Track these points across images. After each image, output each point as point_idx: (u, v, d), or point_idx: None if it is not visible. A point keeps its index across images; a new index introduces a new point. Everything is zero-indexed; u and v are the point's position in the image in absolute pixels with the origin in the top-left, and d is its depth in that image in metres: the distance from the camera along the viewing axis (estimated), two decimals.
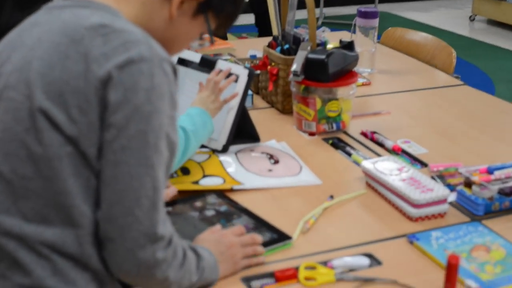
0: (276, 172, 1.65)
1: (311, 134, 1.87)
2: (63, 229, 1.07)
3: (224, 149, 1.72)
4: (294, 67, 1.83)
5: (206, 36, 1.26)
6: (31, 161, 1.07)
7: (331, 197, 1.52)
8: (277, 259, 1.30)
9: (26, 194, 1.08)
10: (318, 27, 5.99)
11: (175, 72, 1.12)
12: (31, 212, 1.08)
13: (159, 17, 1.18)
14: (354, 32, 2.42)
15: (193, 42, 1.28)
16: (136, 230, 1.06)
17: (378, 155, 1.75)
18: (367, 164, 1.58)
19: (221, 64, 1.79)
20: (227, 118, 1.73)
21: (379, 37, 2.77)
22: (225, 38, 3.09)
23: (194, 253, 1.18)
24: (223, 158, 1.70)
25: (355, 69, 2.35)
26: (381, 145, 1.82)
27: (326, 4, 6.62)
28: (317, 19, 6.36)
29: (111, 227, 1.06)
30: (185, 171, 1.62)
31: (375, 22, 2.37)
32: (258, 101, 2.11)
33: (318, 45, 2.00)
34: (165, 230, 1.10)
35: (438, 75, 2.43)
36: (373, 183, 1.57)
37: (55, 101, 1.06)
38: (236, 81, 1.75)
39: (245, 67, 1.75)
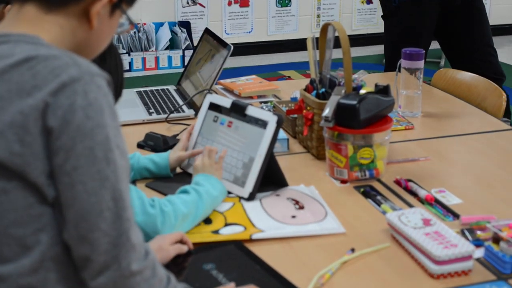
0: (300, 218, 1.62)
1: (343, 181, 1.82)
2: (18, 261, 1.08)
3: (251, 197, 1.70)
4: (325, 112, 1.80)
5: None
6: None
7: (352, 250, 1.48)
8: None
9: None
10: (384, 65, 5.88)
11: (109, 83, 1.14)
12: None
13: (81, 31, 1.20)
14: (399, 71, 2.35)
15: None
16: (105, 243, 1.08)
17: (410, 205, 1.70)
18: (392, 216, 1.53)
19: (251, 110, 1.78)
20: (254, 166, 1.71)
21: (431, 73, 2.72)
22: None
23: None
24: (248, 204, 1.68)
25: (400, 112, 2.32)
26: (414, 194, 1.76)
27: None
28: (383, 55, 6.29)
29: (81, 246, 1.08)
30: (206, 220, 1.60)
31: (421, 63, 2.31)
32: (295, 145, 2.09)
33: (354, 89, 1.96)
34: (137, 239, 1.12)
35: (486, 119, 2.34)
36: (397, 236, 1.51)
37: None
38: (264, 127, 1.73)
39: (274, 114, 1.73)
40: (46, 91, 1.07)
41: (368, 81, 2.12)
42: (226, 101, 1.84)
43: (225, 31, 6.39)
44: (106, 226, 1.08)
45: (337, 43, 1.87)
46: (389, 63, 3.42)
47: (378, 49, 6.54)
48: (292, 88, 2.58)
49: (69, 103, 1.07)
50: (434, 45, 6.66)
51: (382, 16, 3.54)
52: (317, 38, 2.03)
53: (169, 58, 5.84)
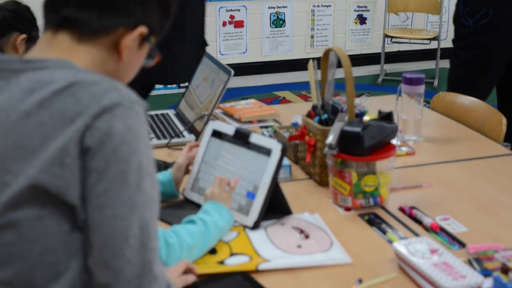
0: (306, 248, 1.61)
1: (347, 209, 1.81)
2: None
3: (255, 226, 1.69)
4: (329, 139, 1.79)
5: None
6: (11, 227, 1.09)
7: (360, 281, 1.46)
8: None
9: (9, 261, 1.09)
10: (379, 86, 5.86)
11: (146, 111, 1.16)
12: (16, 278, 1.09)
13: (110, 62, 1.23)
14: (399, 94, 2.35)
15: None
16: (129, 271, 1.08)
17: (415, 233, 1.69)
18: (399, 246, 1.52)
19: (254, 137, 1.77)
20: (258, 194, 1.70)
21: (431, 94, 2.68)
22: None
23: None
24: (252, 233, 1.67)
25: (401, 136, 2.31)
26: (419, 222, 1.75)
27: (387, 61, 6.56)
28: (378, 76, 6.31)
29: (104, 272, 1.08)
30: (211, 250, 1.58)
31: (421, 88, 2.31)
32: (297, 171, 2.08)
33: (357, 115, 1.96)
34: (159, 271, 1.11)
35: (486, 143, 2.35)
36: (405, 266, 1.50)
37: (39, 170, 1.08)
38: (269, 155, 1.72)
39: (278, 142, 1.73)
40: (87, 115, 1.08)
41: (368, 104, 2.12)
42: (229, 128, 1.83)
43: (220, 51, 6.40)
44: (131, 254, 1.08)
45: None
46: (453, 86, 3.33)
47: (372, 69, 6.58)
48: (292, 112, 2.58)
49: (108, 126, 1.08)
50: (429, 65, 6.69)
51: (453, 40, 3.42)
52: (318, 61, 2.04)
53: None
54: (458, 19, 3.31)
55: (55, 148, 1.07)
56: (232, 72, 2.32)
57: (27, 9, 2.64)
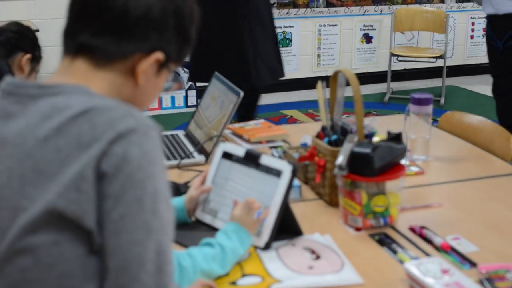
0: (317, 269, 1.61)
1: (357, 229, 1.82)
2: None
3: (267, 247, 1.70)
4: (339, 160, 1.80)
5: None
6: (28, 252, 1.10)
7: None
8: None
9: (26, 286, 1.10)
10: (386, 104, 5.91)
11: (161, 137, 1.17)
12: None
13: (127, 88, 1.24)
14: (408, 114, 2.36)
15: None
16: None
17: (426, 253, 1.69)
18: (410, 265, 1.53)
19: (264, 159, 1.78)
20: (269, 215, 1.71)
21: (438, 112, 2.69)
22: None
23: None
24: (264, 254, 1.68)
25: (410, 156, 2.33)
26: (429, 241, 1.76)
27: (394, 79, 6.59)
28: (385, 94, 6.33)
29: None
30: None
31: (429, 108, 2.33)
32: (307, 192, 2.09)
33: (366, 136, 1.97)
34: None
35: (495, 162, 2.36)
36: (416, 286, 1.50)
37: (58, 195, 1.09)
38: (279, 177, 1.74)
39: (288, 163, 1.74)
40: (103, 141, 1.10)
41: (376, 124, 2.13)
42: (239, 150, 1.85)
43: None
44: (147, 279, 1.09)
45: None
46: (505, 117, 3.34)
47: (378, 88, 6.61)
48: (300, 132, 2.60)
49: (124, 152, 1.10)
50: (435, 83, 6.73)
51: (490, 70, 3.47)
52: (325, 81, 2.05)
53: (172, 98, 5.87)
54: (488, 42, 3.38)
55: (72, 173, 1.09)
56: (241, 93, 2.34)
57: (29, 29, 2.69)
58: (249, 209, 1.67)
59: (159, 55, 1.25)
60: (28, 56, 2.57)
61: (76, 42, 1.23)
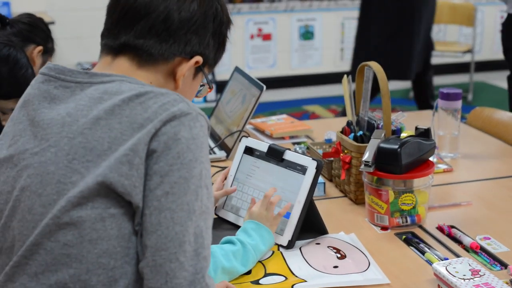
0: (342, 268, 1.56)
1: (384, 228, 1.77)
2: None
3: (290, 245, 1.65)
4: (365, 156, 1.75)
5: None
6: (73, 226, 1.10)
7: None
8: None
9: (66, 262, 1.10)
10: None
11: (209, 126, 1.20)
12: (72, 280, 1.10)
13: (167, 89, 1.25)
14: (436, 109, 2.30)
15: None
16: (181, 277, 1.09)
17: (454, 253, 1.64)
18: (439, 266, 1.47)
19: (288, 154, 1.73)
20: (293, 213, 1.66)
21: (465, 109, 2.61)
22: None
23: None
24: (287, 253, 1.63)
25: (438, 153, 2.26)
26: (458, 241, 1.70)
27: None
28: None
29: (156, 275, 1.09)
30: None
31: (458, 104, 2.26)
32: (331, 189, 2.04)
33: (394, 132, 1.92)
34: (210, 282, 1.12)
35: None
36: (445, 287, 1.45)
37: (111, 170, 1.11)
38: (304, 173, 1.68)
39: (313, 159, 1.69)
40: (158, 121, 1.12)
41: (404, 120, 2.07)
42: (262, 145, 1.80)
43: (248, 64, 6.39)
44: (185, 260, 1.09)
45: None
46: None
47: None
48: (323, 127, 2.55)
49: (175, 132, 1.12)
50: (462, 78, 6.61)
51: (504, 52, 3.36)
52: (353, 76, 2.00)
53: None
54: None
55: (124, 149, 1.11)
56: (264, 87, 2.29)
57: (41, 21, 2.64)
58: (268, 204, 1.63)
59: (198, 59, 1.29)
60: (40, 48, 2.53)
61: (119, 42, 1.25)
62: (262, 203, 1.64)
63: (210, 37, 1.30)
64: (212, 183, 1.79)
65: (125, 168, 1.10)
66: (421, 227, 1.78)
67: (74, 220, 1.11)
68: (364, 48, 4.85)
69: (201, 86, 1.39)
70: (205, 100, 5.84)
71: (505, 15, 3.25)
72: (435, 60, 6.70)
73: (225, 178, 1.83)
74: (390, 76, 3.94)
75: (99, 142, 1.13)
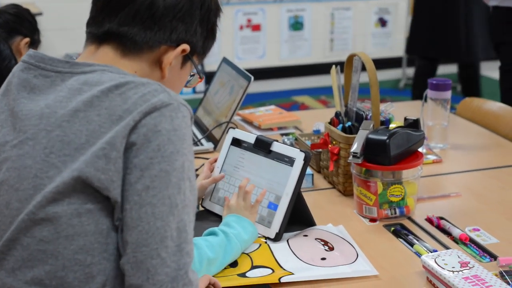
0: (330, 260, 1.55)
1: (372, 220, 1.75)
2: None
3: (277, 238, 1.63)
4: (353, 148, 1.73)
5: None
6: (49, 221, 1.08)
7: None
8: None
9: (42, 258, 1.08)
10: (401, 90, 6.01)
11: (191, 116, 1.17)
12: (48, 276, 1.07)
13: (152, 79, 1.21)
14: (425, 100, 2.28)
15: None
16: (163, 273, 1.06)
17: (443, 245, 1.62)
18: (428, 258, 1.46)
19: (276, 146, 1.71)
20: (280, 205, 1.64)
21: (455, 99, 2.57)
22: None
23: None
24: (274, 245, 1.61)
25: (427, 144, 2.25)
26: (448, 233, 1.69)
27: (410, 64, 6.48)
28: (400, 80, 6.23)
29: (138, 272, 1.06)
30: (232, 263, 1.53)
31: (448, 94, 2.25)
32: (320, 181, 2.02)
33: (382, 122, 1.90)
34: (194, 277, 1.09)
35: None
36: (434, 280, 1.44)
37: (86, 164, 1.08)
38: (291, 165, 1.66)
39: (301, 151, 1.67)
40: (137, 113, 1.09)
41: (393, 110, 2.05)
42: (250, 137, 1.78)
43: (237, 55, 6.36)
44: (167, 256, 1.06)
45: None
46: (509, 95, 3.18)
47: (393, 74, 6.50)
48: (312, 118, 2.53)
49: (155, 124, 1.09)
50: (451, 69, 6.60)
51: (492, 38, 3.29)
52: (341, 67, 1.98)
53: None
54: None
55: (102, 143, 1.07)
56: (252, 78, 2.27)
57: (28, 12, 2.61)
58: (244, 194, 1.62)
59: (185, 47, 1.25)
60: (27, 40, 2.50)
61: (103, 30, 1.22)
62: (238, 195, 1.63)
63: (197, 25, 1.27)
64: (198, 175, 1.78)
65: (101, 163, 1.07)
66: (410, 218, 1.76)
67: (50, 216, 1.08)
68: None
69: (191, 76, 1.36)
70: (194, 91, 5.80)
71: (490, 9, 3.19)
72: None
73: (212, 169, 1.80)
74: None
75: (77, 136, 1.09)
